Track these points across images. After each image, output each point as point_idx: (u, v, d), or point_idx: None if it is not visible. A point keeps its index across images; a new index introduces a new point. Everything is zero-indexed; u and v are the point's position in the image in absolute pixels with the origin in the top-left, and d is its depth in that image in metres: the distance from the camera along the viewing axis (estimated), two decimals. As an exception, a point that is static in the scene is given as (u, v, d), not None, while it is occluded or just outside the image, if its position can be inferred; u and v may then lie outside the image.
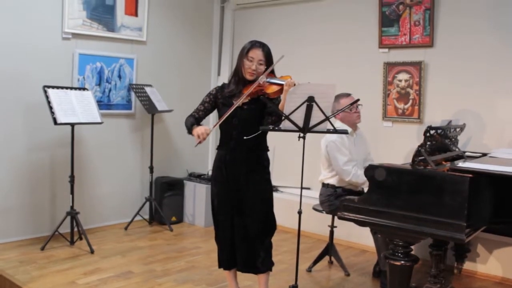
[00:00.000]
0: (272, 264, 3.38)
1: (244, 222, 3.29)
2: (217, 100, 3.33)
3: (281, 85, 3.08)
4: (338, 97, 4.12)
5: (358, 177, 3.97)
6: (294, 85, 2.98)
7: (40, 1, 4.73)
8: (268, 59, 3.26)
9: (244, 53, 3.24)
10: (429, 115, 4.66)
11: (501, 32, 4.26)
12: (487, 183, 2.98)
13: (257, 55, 3.21)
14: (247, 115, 3.21)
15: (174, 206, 5.75)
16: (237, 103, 3.14)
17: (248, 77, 3.23)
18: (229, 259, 3.39)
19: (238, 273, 3.48)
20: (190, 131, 3.25)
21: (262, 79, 3.16)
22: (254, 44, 3.25)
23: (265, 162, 3.36)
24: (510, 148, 4.06)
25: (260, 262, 3.31)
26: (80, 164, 5.08)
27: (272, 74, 3.23)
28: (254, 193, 3.28)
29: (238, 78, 3.27)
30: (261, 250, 3.30)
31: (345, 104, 4.03)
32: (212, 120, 6.28)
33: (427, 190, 2.92)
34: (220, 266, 3.48)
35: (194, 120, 3.32)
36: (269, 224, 3.35)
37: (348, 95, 4.18)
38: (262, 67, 3.23)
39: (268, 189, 3.37)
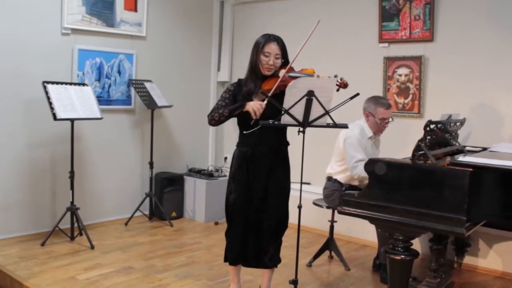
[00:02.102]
0: (279, 261, 3.38)
1: (260, 218, 3.27)
2: (236, 97, 3.25)
3: None
4: (377, 103, 4.07)
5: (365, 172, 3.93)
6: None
7: (39, -3, 4.72)
8: (284, 52, 3.22)
9: (259, 49, 3.17)
10: (429, 110, 4.66)
11: (502, 27, 4.25)
12: (488, 178, 2.98)
13: (273, 50, 3.16)
14: (268, 112, 3.09)
15: (174, 202, 5.75)
16: (271, 93, 3.03)
17: (266, 72, 3.18)
18: (237, 255, 3.37)
19: (245, 267, 3.46)
20: (238, 108, 3.11)
21: (283, 73, 3.10)
22: (269, 38, 3.18)
23: (287, 159, 3.34)
24: (511, 143, 4.06)
25: (268, 258, 3.30)
26: (80, 159, 5.08)
27: (291, 67, 3.19)
28: (275, 190, 3.27)
29: (255, 75, 3.21)
30: (271, 246, 3.30)
31: (381, 115, 4.03)
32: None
33: (427, 185, 2.92)
34: (225, 261, 3.44)
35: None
36: (284, 221, 3.34)
37: (389, 106, 4.11)
38: (279, 61, 3.18)
39: (288, 186, 3.36)
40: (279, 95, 3.05)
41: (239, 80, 3.34)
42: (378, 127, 4.11)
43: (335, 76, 3.03)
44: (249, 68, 3.26)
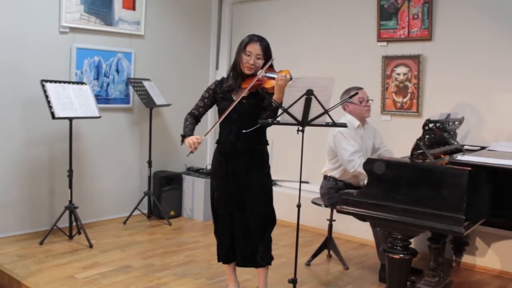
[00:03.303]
0: (271, 258, 3.39)
1: (244, 216, 3.29)
2: (216, 95, 3.34)
3: None
4: (349, 90, 4.10)
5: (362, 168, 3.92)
6: (291, 79, 2.99)
7: (37, -5, 4.71)
8: (267, 53, 3.24)
9: (242, 48, 3.22)
10: (428, 109, 4.66)
11: (500, 25, 4.25)
12: (486, 177, 2.98)
13: (255, 50, 3.19)
14: (247, 109, 3.20)
15: (172, 201, 5.75)
16: (237, 99, 3.13)
17: (246, 71, 3.22)
18: (228, 253, 3.40)
19: (237, 267, 3.49)
20: (182, 140, 3.27)
21: (261, 73, 3.16)
22: (252, 38, 3.23)
23: (265, 156, 3.37)
24: (509, 142, 4.06)
25: (259, 257, 3.32)
26: (79, 158, 5.07)
27: (271, 68, 3.22)
28: (255, 187, 3.29)
29: (237, 73, 3.27)
30: (260, 244, 3.31)
31: (357, 97, 4.04)
32: (210, 115, 6.27)
33: (426, 184, 2.92)
34: (219, 260, 3.48)
35: (193, 119, 3.35)
36: (269, 218, 3.35)
37: (359, 88, 4.12)
38: (260, 61, 3.22)
39: (268, 183, 3.38)
40: (256, 93, 3.15)
41: (222, 78, 3.41)
42: (361, 110, 4.12)
43: (290, 78, 3.06)
44: (231, 66, 3.32)
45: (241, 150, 3.26)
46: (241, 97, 3.16)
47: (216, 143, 3.39)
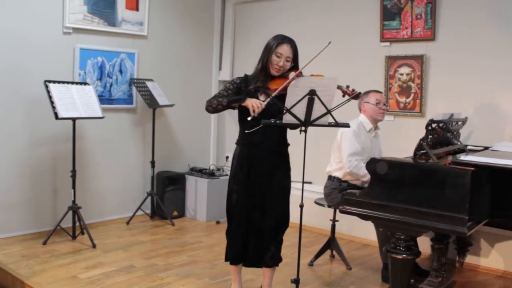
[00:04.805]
0: (280, 260, 3.38)
1: (261, 218, 3.28)
2: (240, 91, 3.26)
3: None
4: (368, 92, 4.16)
5: (359, 169, 3.92)
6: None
7: (40, -4, 4.73)
8: (295, 56, 3.24)
9: (272, 48, 3.18)
10: (431, 109, 4.65)
11: (503, 25, 4.24)
12: (489, 177, 2.98)
13: (285, 51, 3.18)
14: (272, 111, 3.10)
15: (175, 201, 5.75)
16: (275, 92, 3.05)
17: (274, 72, 3.20)
18: (239, 254, 3.38)
19: (244, 267, 3.47)
20: (237, 101, 3.12)
21: (293, 76, 3.11)
22: (284, 40, 3.20)
23: (288, 158, 3.35)
24: (512, 142, 4.06)
25: (269, 257, 3.31)
26: (82, 158, 5.08)
27: (300, 72, 3.19)
28: (276, 189, 3.28)
29: (266, 73, 3.22)
30: (272, 245, 3.31)
31: (374, 97, 4.09)
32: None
33: (429, 184, 2.92)
34: (226, 260, 3.45)
35: None
36: (284, 220, 3.34)
37: (379, 91, 4.20)
38: (289, 64, 3.20)
39: (288, 186, 3.36)
40: (284, 95, 3.05)
41: (246, 75, 3.34)
42: (376, 111, 4.10)
43: (347, 87, 3.12)
44: (259, 66, 3.25)
45: (265, 151, 3.23)
46: (276, 93, 3.09)
47: (237, 144, 3.34)
